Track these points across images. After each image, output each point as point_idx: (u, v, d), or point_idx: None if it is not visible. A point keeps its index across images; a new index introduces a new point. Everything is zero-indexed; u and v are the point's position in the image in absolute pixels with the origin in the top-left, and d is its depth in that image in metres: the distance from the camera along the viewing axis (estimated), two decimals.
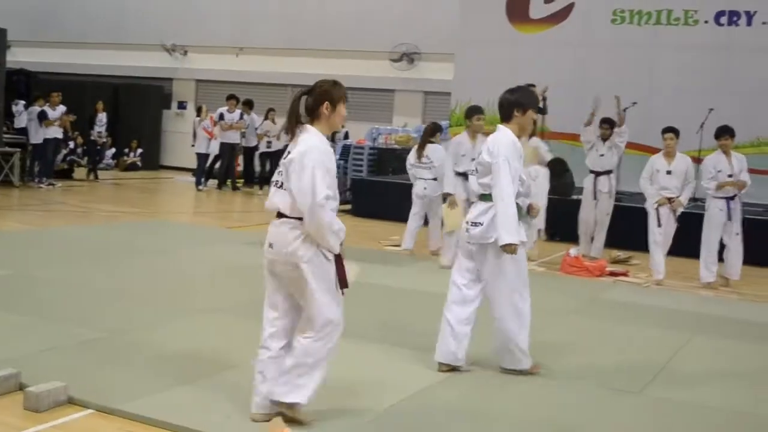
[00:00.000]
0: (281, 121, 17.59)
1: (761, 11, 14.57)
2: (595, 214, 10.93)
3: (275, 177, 4.35)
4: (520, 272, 5.45)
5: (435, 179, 10.03)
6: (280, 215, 4.27)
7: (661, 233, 9.50)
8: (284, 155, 4.33)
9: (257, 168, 17.97)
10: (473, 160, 8.19)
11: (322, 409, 4.46)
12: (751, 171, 9.82)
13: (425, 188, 10.15)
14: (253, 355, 4.46)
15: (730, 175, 9.49)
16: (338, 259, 4.28)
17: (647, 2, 15.45)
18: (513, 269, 5.39)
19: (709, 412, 5.15)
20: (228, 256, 9.46)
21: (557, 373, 5.69)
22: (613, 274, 9.76)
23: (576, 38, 15.93)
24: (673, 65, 15.07)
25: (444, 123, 15.86)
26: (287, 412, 4.30)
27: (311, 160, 4.16)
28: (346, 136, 18.31)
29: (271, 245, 4.27)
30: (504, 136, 5.44)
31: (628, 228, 10.89)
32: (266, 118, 17.54)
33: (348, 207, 14.64)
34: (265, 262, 4.35)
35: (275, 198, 4.30)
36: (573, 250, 10.14)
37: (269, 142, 17.25)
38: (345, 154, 16.90)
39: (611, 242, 11.07)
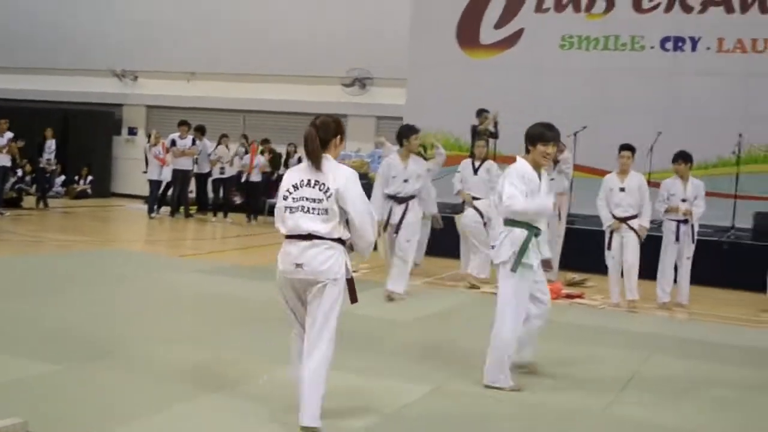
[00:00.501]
0: (234, 147, 17.80)
1: (705, 37, 14.92)
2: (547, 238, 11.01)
3: (293, 203, 4.67)
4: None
5: None
6: (307, 237, 4.60)
7: (612, 256, 9.60)
8: (304, 182, 4.67)
9: (210, 194, 17.80)
10: (405, 181, 8.90)
11: None
12: None
13: None
14: (211, 386, 4.41)
15: (683, 200, 9.70)
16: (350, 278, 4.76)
17: (594, 28, 15.73)
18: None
19: (660, 429, 5.19)
20: (182, 284, 9.35)
21: (521, 394, 5.70)
22: (569, 296, 9.85)
23: (526, 63, 16.13)
24: (621, 90, 15.33)
25: (396, 147, 15.96)
26: None
27: (357, 186, 4.71)
28: (299, 161, 18.26)
29: (300, 265, 4.62)
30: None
31: (581, 250, 11.03)
32: (219, 143, 17.41)
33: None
34: (286, 282, 4.73)
35: (306, 222, 4.63)
36: None
37: (222, 168, 17.14)
38: None
39: (566, 265, 11.18)
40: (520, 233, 5.80)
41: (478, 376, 6.06)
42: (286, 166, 18.46)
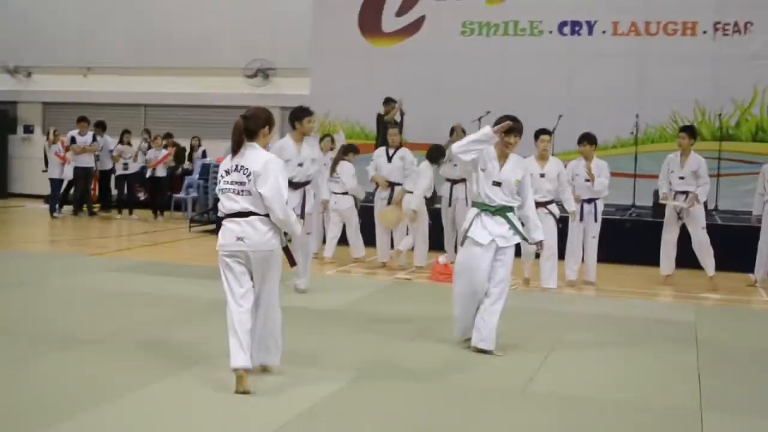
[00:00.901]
0: (137, 142, 17.48)
1: (601, 21, 15.34)
2: (454, 221, 11.23)
3: (226, 185, 5.37)
4: None
5: (345, 193, 11.37)
6: (245, 214, 5.31)
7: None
8: (232, 167, 5.34)
9: (114, 191, 17.44)
10: (300, 165, 8.45)
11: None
12: None
13: (335, 202, 11.11)
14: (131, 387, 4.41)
15: (587, 180, 9.97)
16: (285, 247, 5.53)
17: (494, 14, 15.96)
18: None
19: (588, 403, 5.39)
20: (91, 284, 9.17)
21: (441, 376, 5.83)
22: None
23: (428, 50, 16.25)
24: (522, 74, 15.59)
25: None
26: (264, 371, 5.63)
27: (275, 169, 5.30)
28: (204, 155, 18.09)
29: (241, 239, 5.31)
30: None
31: None
32: (121, 140, 17.03)
33: (212, 227, 14.45)
34: (228, 254, 5.37)
35: (239, 201, 5.33)
36: (442, 258, 10.37)
37: (125, 165, 16.79)
38: (204, 173, 16.70)
39: None
40: (471, 212, 6.56)
41: (399, 361, 6.19)
42: (191, 160, 18.25)
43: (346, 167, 11.51)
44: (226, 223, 5.40)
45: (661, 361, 6.63)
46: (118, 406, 4.98)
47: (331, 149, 12.13)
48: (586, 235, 10.11)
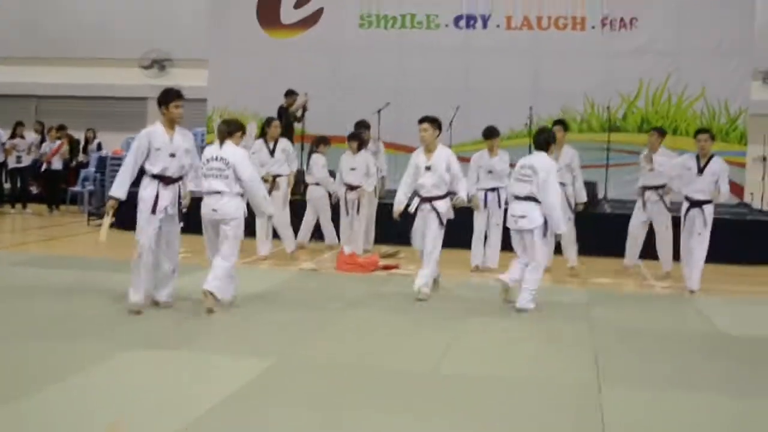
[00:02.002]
0: (30, 135, 17.08)
1: (494, 15, 15.80)
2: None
3: (209, 171, 7.53)
4: None
5: (317, 184, 11.84)
6: (218, 193, 7.48)
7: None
8: (213, 157, 7.53)
9: (6, 185, 17.00)
10: (172, 156, 7.37)
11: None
12: None
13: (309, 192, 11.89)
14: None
15: (490, 171, 10.55)
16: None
17: (392, 7, 16.22)
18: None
19: (495, 382, 5.70)
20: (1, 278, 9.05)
21: (353, 362, 6.06)
22: (386, 267, 10.32)
23: (327, 43, 16.40)
24: (420, 67, 15.92)
25: (199, 130, 15.92)
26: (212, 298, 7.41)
27: (245, 160, 7.63)
28: (99, 147, 17.82)
29: (215, 210, 7.51)
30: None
31: (390, 225, 11.48)
32: (14, 132, 16.58)
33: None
34: (208, 220, 7.61)
35: (217, 183, 7.49)
36: (347, 248, 10.60)
37: (19, 158, 16.37)
38: (101, 166, 16.45)
39: (379, 240, 11.75)
40: None
41: (317, 345, 6.39)
42: (85, 152, 17.95)
43: (317, 159, 11.85)
44: (206, 198, 7.53)
45: (560, 340, 7.02)
46: (37, 399, 5.01)
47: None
48: (489, 223, 10.58)
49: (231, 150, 7.48)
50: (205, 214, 7.57)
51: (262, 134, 11.45)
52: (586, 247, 10.81)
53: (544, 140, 8.33)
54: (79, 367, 5.66)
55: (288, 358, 6.09)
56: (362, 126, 12.21)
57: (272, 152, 11.10)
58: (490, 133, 10.71)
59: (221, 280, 7.44)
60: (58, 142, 16.73)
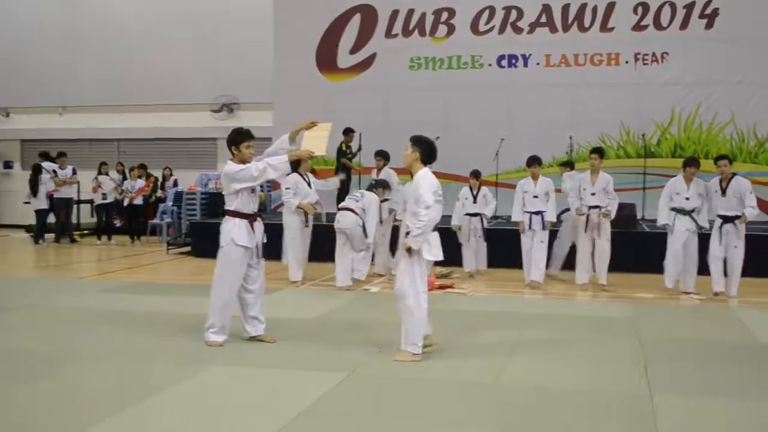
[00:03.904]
0: (113, 174, 17.40)
1: (534, 54, 15.79)
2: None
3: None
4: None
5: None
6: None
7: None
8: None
9: (93, 219, 17.33)
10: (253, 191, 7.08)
11: None
12: None
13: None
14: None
15: (535, 196, 10.58)
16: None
17: (439, 50, 16.34)
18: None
19: (554, 392, 5.62)
20: (86, 304, 9.15)
21: (422, 375, 6.02)
22: (441, 287, 10.28)
23: (379, 84, 16.57)
24: (466, 103, 15.98)
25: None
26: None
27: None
28: (176, 184, 18.09)
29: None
30: None
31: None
32: (99, 172, 16.92)
33: (188, 249, 14.49)
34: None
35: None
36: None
37: (104, 195, 16.70)
38: (177, 200, 16.69)
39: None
40: None
41: (384, 361, 6.36)
42: (163, 188, 18.22)
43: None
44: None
45: (609, 352, 6.90)
46: (129, 414, 5.07)
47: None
48: (535, 242, 10.60)
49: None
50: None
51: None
52: (624, 264, 10.69)
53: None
54: (175, 381, 5.74)
55: (359, 373, 6.07)
56: (379, 155, 12.08)
57: (309, 184, 10.95)
58: (532, 162, 10.74)
59: None
60: (140, 181, 17.03)
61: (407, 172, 6.79)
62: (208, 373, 6.00)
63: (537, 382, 5.89)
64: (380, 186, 11.24)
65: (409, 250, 6.44)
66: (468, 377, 6.00)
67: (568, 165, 12.33)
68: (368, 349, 6.82)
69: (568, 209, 10.98)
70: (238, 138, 6.98)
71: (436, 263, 11.16)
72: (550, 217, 10.63)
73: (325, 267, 11.95)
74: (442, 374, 6.07)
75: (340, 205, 10.95)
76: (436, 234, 6.56)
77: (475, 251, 11.42)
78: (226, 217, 7.01)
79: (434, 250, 6.52)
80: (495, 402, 5.41)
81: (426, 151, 6.64)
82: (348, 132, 14.45)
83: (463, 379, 5.95)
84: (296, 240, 10.82)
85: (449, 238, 10.94)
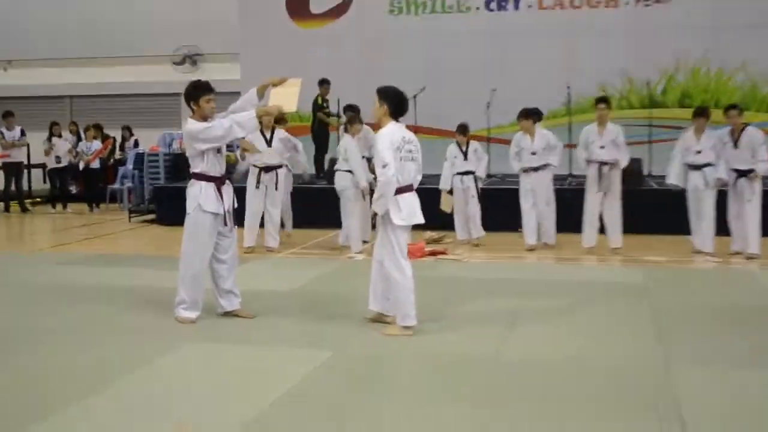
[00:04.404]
0: (66, 135, 17.11)
1: None
2: None
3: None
4: None
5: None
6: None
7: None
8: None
9: (46, 185, 17.07)
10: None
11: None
12: None
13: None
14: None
15: (533, 153, 10.49)
16: None
17: None
18: None
19: (562, 365, 5.55)
20: (43, 278, 8.99)
21: (418, 348, 5.94)
22: (433, 253, 10.18)
23: (357, 31, 16.33)
24: (452, 52, 15.77)
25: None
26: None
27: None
28: (136, 144, 17.83)
29: None
30: None
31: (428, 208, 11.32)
32: (51, 133, 16.60)
33: (152, 216, 14.30)
34: None
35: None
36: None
37: (58, 158, 16.39)
38: (138, 162, 16.43)
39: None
40: None
41: (372, 337, 6.27)
42: (122, 150, 17.96)
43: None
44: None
45: (621, 321, 6.85)
46: (106, 395, 4.95)
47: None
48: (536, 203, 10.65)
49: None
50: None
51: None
52: (634, 225, 10.61)
53: None
54: (147, 360, 5.65)
55: (345, 351, 5.97)
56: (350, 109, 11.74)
57: (269, 142, 10.70)
58: (521, 115, 10.65)
59: None
60: (96, 141, 16.75)
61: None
62: (180, 353, 5.90)
63: (542, 355, 5.82)
64: (350, 114, 11.01)
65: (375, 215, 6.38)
66: (466, 351, 5.92)
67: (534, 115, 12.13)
68: (354, 323, 6.73)
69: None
70: (195, 92, 6.76)
71: (423, 227, 11.17)
72: (555, 162, 10.66)
73: (307, 233, 11.88)
74: (437, 349, 5.99)
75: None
76: (408, 195, 6.40)
77: (467, 216, 11.12)
78: (192, 180, 6.83)
79: (404, 213, 6.35)
80: (496, 378, 5.33)
81: (394, 103, 6.44)
82: (323, 83, 14.26)
83: (461, 353, 5.87)
84: (249, 202, 10.52)
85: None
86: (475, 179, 11.06)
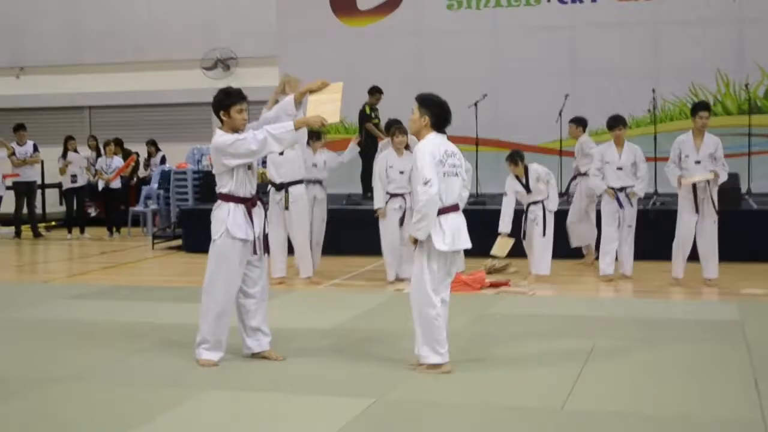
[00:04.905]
0: (84, 150, 17.40)
1: None
2: None
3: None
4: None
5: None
6: None
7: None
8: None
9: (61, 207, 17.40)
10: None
11: None
12: None
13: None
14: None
15: (619, 168, 10.41)
16: None
17: None
18: None
19: (638, 421, 5.45)
20: (52, 314, 9.13)
21: (468, 397, 5.89)
22: (494, 285, 10.13)
23: (409, 28, 16.38)
24: (519, 50, 15.73)
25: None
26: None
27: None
28: (163, 161, 18.08)
29: None
30: None
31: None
32: (65, 148, 16.86)
33: (179, 243, 14.45)
34: None
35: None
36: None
37: (74, 177, 16.66)
38: (164, 181, 16.66)
39: (481, 250, 11.49)
40: None
41: (419, 382, 6.23)
42: (147, 167, 18.22)
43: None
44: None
45: (711, 368, 6.71)
46: None
47: None
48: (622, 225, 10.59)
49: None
50: None
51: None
52: (729, 252, 10.44)
53: None
54: (159, 410, 5.66)
55: (387, 398, 5.94)
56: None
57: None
58: (616, 122, 10.54)
59: None
60: (117, 157, 17.01)
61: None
62: (199, 400, 5.91)
63: (616, 407, 5.71)
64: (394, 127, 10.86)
65: (415, 242, 6.39)
66: (527, 402, 5.84)
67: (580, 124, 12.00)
68: (399, 366, 6.69)
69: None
70: (227, 100, 6.74)
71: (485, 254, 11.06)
72: (640, 191, 10.50)
73: (344, 261, 11.89)
74: (495, 398, 5.93)
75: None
76: (452, 216, 6.36)
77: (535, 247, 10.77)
78: (219, 202, 6.87)
79: (448, 237, 6.32)
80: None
81: (437, 114, 6.44)
82: (375, 92, 14.35)
83: (521, 404, 5.79)
84: (273, 225, 10.40)
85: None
86: (543, 208, 10.70)
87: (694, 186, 9.93)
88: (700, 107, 10.18)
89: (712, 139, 10.08)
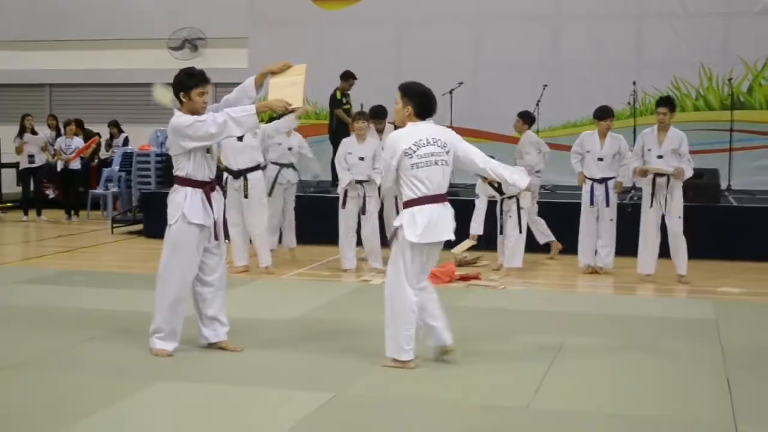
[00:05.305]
0: (43, 129, 17.25)
1: None
2: None
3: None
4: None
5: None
6: None
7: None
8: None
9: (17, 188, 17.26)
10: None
11: None
12: None
13: None
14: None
15: (600, 159, 10.55)
16: None
17: None
18: None
19: (607, 420, 5.45)
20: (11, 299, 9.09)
21: (433, 393, 5.87)
22: (463, 278, 10.14)
23: (388, 13, 16.34)
24: (499, 39, 15.73)
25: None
26: None
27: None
28: (126, 142, 17.96)
29: None
30: None
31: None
32: (22, 127, 16.68)
33: (139, 228, 14.37)
34: None
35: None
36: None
37: (31, 157, 16.51)
38: (126, 164, 16.56)
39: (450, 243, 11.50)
40: None
41: (381, 376, 6.20)
42: (108, 148, 18.09)
43: None
44: None
45: (684, 367, 6.73)
46: None
47: None
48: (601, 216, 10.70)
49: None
50: None
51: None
52: (706, 250, 10.50)
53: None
54: (108, 402, 5.61)
55: (348, 393, 5.92)
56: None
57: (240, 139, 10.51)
58: (605, 114, 10.67)
59: None
60: (77, 139, 16.87)
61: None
62: (150, 392, 5.87)
63: (584, 406, 5.72)
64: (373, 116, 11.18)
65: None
66: (493, 400, 5.84)
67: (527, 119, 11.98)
68: (362, 359, 6.67)
69: None
70: (188, 81, 6.68)
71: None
72: (623, 177, 10.64)
73: (310, 250, 11.88)
74: (458, 394, 5.93)
75: None
76: (429, 207, 6.31)
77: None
78: (175, 186, 6.82)
79: (420, 230, 6.27)
80: (525, 430, 5.25)
81: (420, 103, 6.43)
82: (347, 77, 14.26)
83: (487, 402, 5.79)
84: (233, 213, 10.42)
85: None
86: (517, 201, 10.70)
87: (654, 179, 10.03)
88: (659, 103, 10.34)
89: (676, 134, 10.16)
